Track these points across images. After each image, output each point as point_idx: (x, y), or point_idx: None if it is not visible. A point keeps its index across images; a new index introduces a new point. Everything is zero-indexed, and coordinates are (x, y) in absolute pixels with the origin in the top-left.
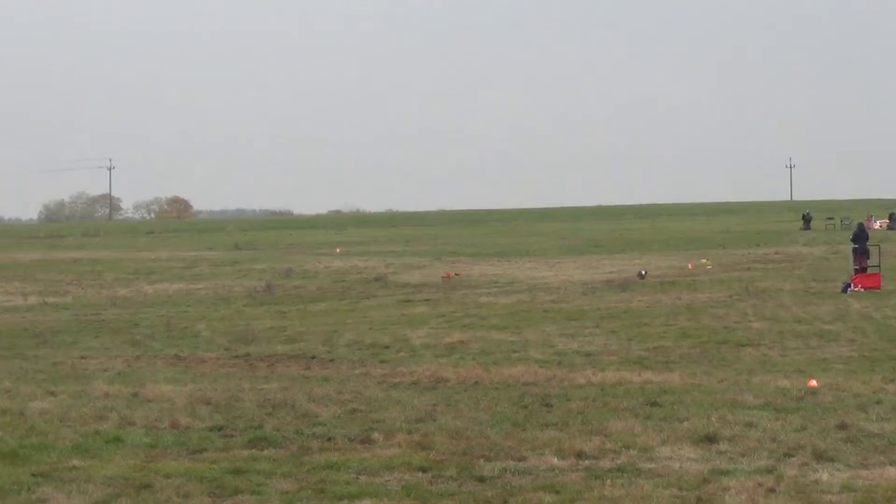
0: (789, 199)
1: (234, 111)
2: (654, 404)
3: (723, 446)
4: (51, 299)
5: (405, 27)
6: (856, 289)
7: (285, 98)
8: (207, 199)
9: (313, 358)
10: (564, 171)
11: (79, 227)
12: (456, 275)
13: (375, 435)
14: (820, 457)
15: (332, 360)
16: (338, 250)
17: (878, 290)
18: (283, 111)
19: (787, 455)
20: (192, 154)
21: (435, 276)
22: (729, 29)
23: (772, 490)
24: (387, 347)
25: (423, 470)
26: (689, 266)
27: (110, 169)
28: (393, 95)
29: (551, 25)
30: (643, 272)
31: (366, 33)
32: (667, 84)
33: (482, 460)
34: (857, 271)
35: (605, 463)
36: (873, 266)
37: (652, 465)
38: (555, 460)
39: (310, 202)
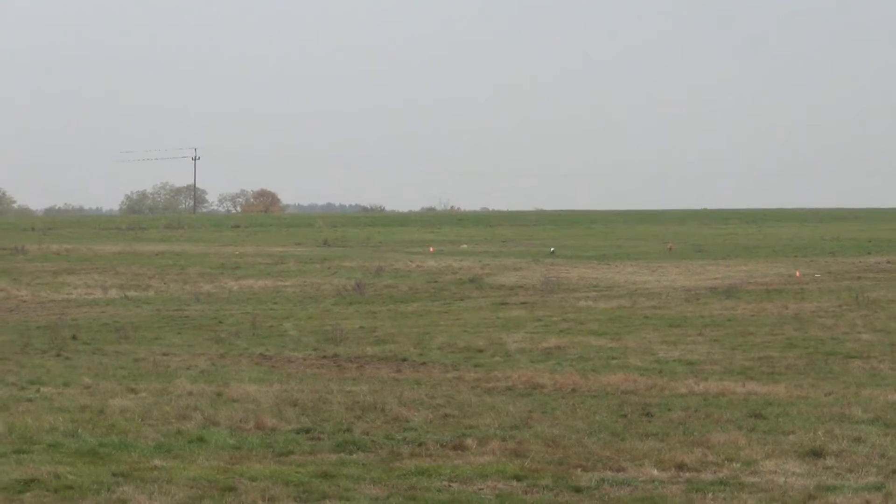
0: None
1: (324, 103)
2: (758, 416)
3: (829, 461)
4: (132, 293)
5: (510, 22)
6: None
7: (378, 90)
8: (296, 192)
9: (404, 360)
10: (668, 173)
11: (162, 219)
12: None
13: (468, 441)
14: None
15: (423, 363)
16: (431, 249)
17: None
18: (376, 104)
19: None
20: (281, 146)
21: (532, 279)
22: (839, 28)
23: None
24: (481, 351)
25: (518, 479)
26: (797, 274)
27: (195, 159)
28: (492, 93)
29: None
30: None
31: (463, 26)
32: (778, 87)
33: (579, 470)
34: None
35: (707, 476)
36: None
37: (755, 480)
38: (654, 472)
39: (402, 198)
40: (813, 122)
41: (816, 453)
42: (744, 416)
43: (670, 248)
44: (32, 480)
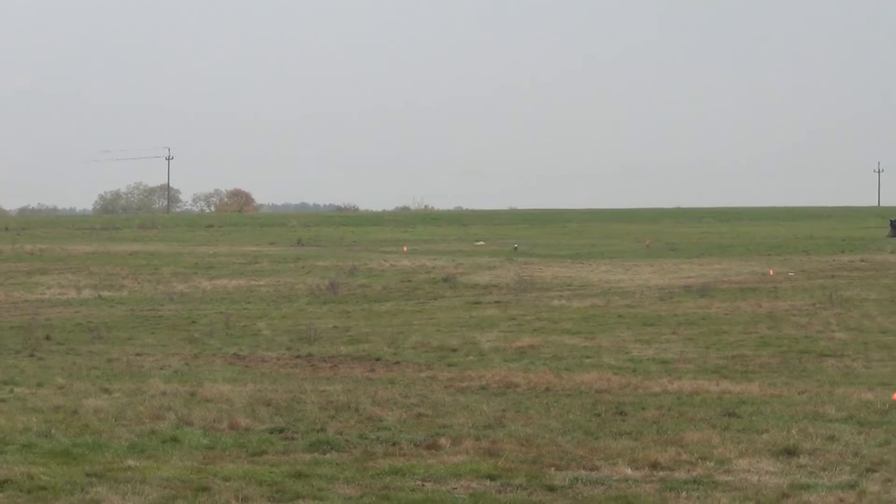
0: (877, 204)
1: (298, 102)
2: (732, 415)
3: (803, 460)
4: (106, 293)
5: (479, 22)
6: None
7: (351, 91)
8: (269, 192)
9: (378, 360)
10: (642, 172)
11: (135, 219)
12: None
13: (442, 440)
14: None
15: (397, 363)
16: (405, 248)
17: None
18: (349, 104)
19: (870, 470)
20: (255, 145)
21: (506, 278)
22: (808, 28)
23: None
24: (455, 350)
25: (492, 478)
26: (771, 272)
27: (169, 159)
28: (461, 91)
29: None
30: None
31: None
32: (754, 85)
33: (553, 469)
34: None
35: (681, 474)
36: None
37: (729, 478)
38: (628, 471)
39: (376, 198)
40: (796, 123)
41: (790, 452)
42: (717, 415)
43: (647, 245)
44: (6, 481)
